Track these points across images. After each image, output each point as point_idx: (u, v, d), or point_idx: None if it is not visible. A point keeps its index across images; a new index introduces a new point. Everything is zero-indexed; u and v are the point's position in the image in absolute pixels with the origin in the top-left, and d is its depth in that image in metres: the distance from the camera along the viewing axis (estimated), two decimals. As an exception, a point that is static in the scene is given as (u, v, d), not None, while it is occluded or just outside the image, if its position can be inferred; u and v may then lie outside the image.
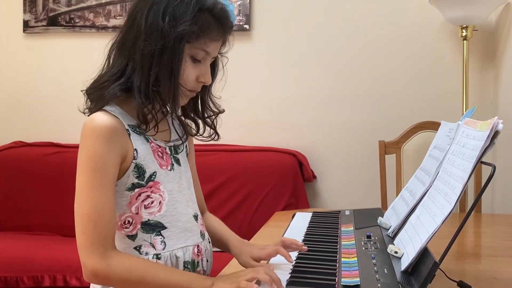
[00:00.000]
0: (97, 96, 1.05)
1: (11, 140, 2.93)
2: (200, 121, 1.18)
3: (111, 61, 1.07)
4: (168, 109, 1.05)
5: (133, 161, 1.03)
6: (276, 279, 0.96)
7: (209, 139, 1.18)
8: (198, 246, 1.12)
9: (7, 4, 3.02)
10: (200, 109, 1.16)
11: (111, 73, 1.04)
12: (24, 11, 2.98)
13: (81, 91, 1.08)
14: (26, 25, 2.98)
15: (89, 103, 1.07)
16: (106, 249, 0.96)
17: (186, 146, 1.21)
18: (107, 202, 0.98)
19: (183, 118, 1.17)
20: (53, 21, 2.95)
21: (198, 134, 1.18)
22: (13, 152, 2.83)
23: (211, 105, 1.17)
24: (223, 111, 1.18)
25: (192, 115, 1.17)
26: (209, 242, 1.19)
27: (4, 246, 2.38)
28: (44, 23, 2.96)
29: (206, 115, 1.17)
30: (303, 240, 1.29)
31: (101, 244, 0.96)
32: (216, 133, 1.18)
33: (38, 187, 2.72)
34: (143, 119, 1.03)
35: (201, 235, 1.15)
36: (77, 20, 2.93)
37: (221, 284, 0.95)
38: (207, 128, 1.18)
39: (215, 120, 1.18)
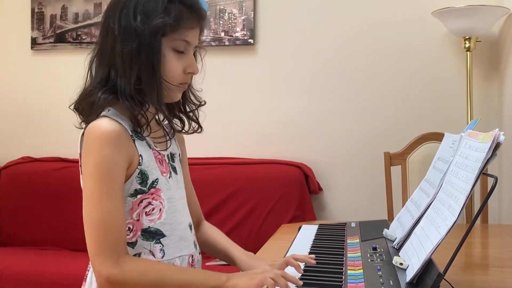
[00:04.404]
0: (87, 105, 1.05)
1: (19, 155, 2.96)
2: (184, 117, 1.17)
3: (93, 74, 1.07)
4: (155, 105, 1.04)
5: (138, 167, 1.03)
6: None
7: (192, 131, 1.17)
8: (192, 256, 1.13)
9: (15, 22, 3.07)
10: (181, 104, 1.16)
11: (95, 83, 1.05)
12: (32, 29, 3.03)
13: (69, 107, 1.08)
14: (34, 42, 3.03)
15: (82, 117, 1.07)
16: (119, 255, 0.96)
17: (179, 154, 1.20)
18: (118, 208, 0.98)
19: (170, 117, 1.16)
20: (60, 38, 3.00)
21: (183, 131, 1.18)
22: (22, 168, 2.86)
23: (193, 98, 1.16)
24: (205, 103, 1.18)
25: (175, 111, 1.16)
26: (199, 254, 1.18)
27: (13, 261, 2.40)
28: (51, 40, 3.01)
29: (188, 109, 1.16)
30: (310, 253, 1.30)
31: (114, 250, 0.95)
32: (199, 126, 1.18)
33: (46, 202, 2.74)
34: (136, 121, 1.03)
35: (194, 245, 1.15)
36: (83, 37, 2.97)
37: (237, 280, 0.96)
38: (192, 123, 1.17)
39: (196, 113, 1.17)
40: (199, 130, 1.18)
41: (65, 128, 3.03)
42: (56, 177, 2.77)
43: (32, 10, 3.02)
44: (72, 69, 2.98)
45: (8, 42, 3.08)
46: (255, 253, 1.27)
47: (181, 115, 1.17)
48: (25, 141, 3.04)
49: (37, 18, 3.02)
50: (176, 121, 1.17)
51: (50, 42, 3.01)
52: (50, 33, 3.01)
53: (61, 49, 3.00)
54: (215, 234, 1.26)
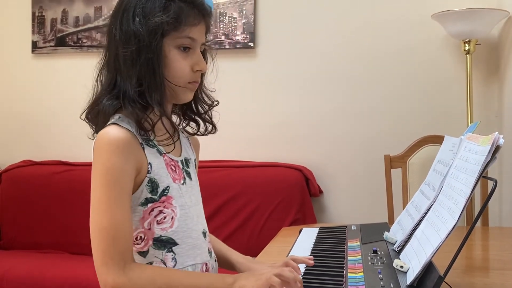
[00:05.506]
0: (95, 113, 1.05)
1: (20, 159, 2.96)
2: (198, 119, 1.16)
3: (103, 81, 1.07)
4: (157, 107, 1.02)
5: (147, 175, 1.02)
6: (299, 279, 0.97)
7: (207, 133, 1.17)
8: (206, 264, 1.12)
9: (16, 25, 3.07)
10: (194, 105, 1.15)
11: (102, 89, 1.05)
12: (33, 32, 3.03)
13: (80, 117, 1.08)
14: (34, 45, 3.03)
15: (93, 126, 1.08)
16: (126, 263, 0.95)
17: (195, 159, 1.20)
18: (125, 215, 0.96)
19: (183, 119, 1.16)
20: (61, 42, 3.00)
21: (199, 133, 1.18)
22: (22, 171, 2.86)
23: (205, 98, 1.16)
24: (218, 102, 1.17)
25: (189, 113, 1.16)
26: (215, 261, 1.18)
27: (13, 264, 2.40)
28: (52, 43, 3.01)
29: (202, 110, 1.16)
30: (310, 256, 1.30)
31: (121, 258, 0.94)
32: (214, 126, 1.17)
33: (47, 205, 2.74)
34: (139, 125, 1.02)
35: (208, 253, 1.14)
36: (84, 40, 2.98)
37: (244, 281, 0.95)
38: (206, 124, 1.17)
39: (210, 113, 1.16)
40: (213, 131, 1.18)
41: (66, 131, 3.05)
42: (57, 181, 2.77)
43: (33, 14, 3.02)
44: (73, 72, 3.03)
45: (9, 45, 3.09)
46: (256, 256, 1.27)
47: (195, 116, 1.16)
48: (26, 144, 3.04)
49: (38, 21, 3.03)
50: (191, 124, 1.17)
51: (50, 46, 3.02)
52: (50, 36, 3.02)
53: (61, 52, 3.01)
54: (212, 240, 1.25)
